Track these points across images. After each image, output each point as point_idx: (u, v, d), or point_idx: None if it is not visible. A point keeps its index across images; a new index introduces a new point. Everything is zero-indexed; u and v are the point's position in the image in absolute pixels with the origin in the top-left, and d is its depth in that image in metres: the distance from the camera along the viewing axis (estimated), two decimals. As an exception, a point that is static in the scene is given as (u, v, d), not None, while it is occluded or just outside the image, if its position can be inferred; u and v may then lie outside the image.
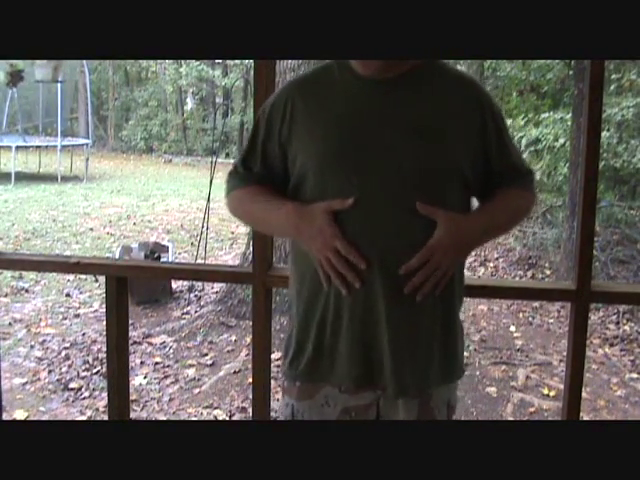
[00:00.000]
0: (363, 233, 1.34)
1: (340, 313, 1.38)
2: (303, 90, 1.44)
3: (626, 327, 5.28)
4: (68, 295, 5.79)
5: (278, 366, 4.29)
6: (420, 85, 1.38)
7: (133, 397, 3.76)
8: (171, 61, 18.97)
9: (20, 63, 12.47)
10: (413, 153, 1.34)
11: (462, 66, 8.47)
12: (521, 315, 5.49)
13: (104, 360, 3.44)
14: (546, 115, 8.32)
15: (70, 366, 4.33)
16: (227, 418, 3.68)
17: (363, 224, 1.34)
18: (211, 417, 3.70)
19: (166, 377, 4.23)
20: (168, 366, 4.39)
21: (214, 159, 6.27)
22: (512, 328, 5.17)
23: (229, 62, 18.14)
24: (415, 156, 1.34)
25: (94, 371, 4.24)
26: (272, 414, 1.99)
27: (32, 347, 4.63)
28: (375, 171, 1.34)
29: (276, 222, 1.45)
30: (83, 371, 4.25)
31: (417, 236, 1.33)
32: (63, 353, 4.53)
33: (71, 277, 6.13)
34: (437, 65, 1.42)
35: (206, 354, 4.56)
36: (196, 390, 4.05)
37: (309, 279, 1.41)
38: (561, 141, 7.70)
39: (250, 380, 1.95)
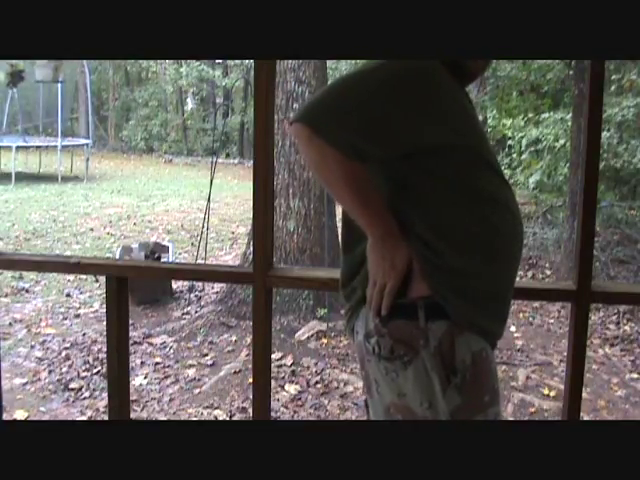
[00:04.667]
0: None
1: None
2: None
3: (626, 327, 5.28)
4: (68, 295, 5.79)
5: (278, 366, 4.29)
6: None
7: (133, 397, 3.76)
8: (171, 61, 18.99)
9: (20, 63, 12.50)
10: None
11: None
12: (521, 315, 5.49)
13: (104, 360, 3.44)
14: (546, 115, 8.32)
15: (70, 366, 4.33)
16: (227, 418, 3.68)
17: None
18: (211, 417, 3.70)
19: (166, 377, 4.23)
20: (168, 366, 4.39)
21: (214, 159, 6.29)
22: (512, 328, 5.16)
23: (229, 62, 18.15)
24: None
25: (94, 371, 4.24)
26: (272, 414, 1.99)
27: (32, 347, 4.63)
28: None
29: None
30: (83, 371, 4.25)
31: None
32: (63, 353, 4.53)
33: (71, 277, 6.13)
34: None
35: (206, 354, 4.55)
36: (196, 390, 4.05)
37: None
38: (561, 141, 7.71)
39: (250, 380, 1.95)
